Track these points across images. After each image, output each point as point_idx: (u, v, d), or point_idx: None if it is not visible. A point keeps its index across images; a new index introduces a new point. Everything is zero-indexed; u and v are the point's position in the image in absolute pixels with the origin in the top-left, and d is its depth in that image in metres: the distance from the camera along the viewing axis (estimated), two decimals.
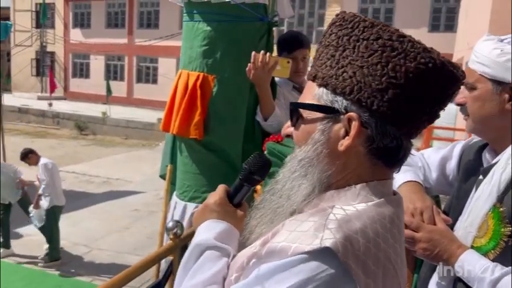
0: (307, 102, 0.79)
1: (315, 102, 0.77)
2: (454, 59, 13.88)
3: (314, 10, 19.93)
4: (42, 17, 23.83)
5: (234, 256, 0.84)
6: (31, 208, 6.18)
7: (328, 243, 0.65)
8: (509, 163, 1.19)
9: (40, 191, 6.05)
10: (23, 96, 23.98)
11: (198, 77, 2.08)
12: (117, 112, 19.38)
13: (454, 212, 1.37)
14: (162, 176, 2.49)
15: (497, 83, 1.21)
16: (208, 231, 0.90)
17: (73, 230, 7.09)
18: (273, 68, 1.95)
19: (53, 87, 22.26)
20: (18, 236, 6.77)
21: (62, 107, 21.11)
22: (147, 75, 24.30)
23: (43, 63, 26.70)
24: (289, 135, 0.84)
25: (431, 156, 1.56)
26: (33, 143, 12.94)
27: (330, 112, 0.75)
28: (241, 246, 0.87)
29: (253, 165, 0.94)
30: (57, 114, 20.14)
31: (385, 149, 0.73)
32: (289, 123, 0.86)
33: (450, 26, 17.17)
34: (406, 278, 0.79)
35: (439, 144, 11.15)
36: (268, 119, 2.11)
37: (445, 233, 1.25)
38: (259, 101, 2.11)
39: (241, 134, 2.14)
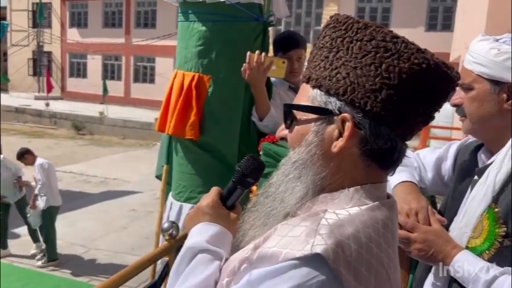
0: (300, 103, 0.79)
1: (309, 104, 0.77)
2: (451, 59, 13.90)
3: (311, 9, 19.92)
4: (39, 17, 23.76)
5: (226, 259, 0.84)
6: (28, 208, 6.17)
7: (319, 249, 0.65)
8: (504, 163, 1.19)
9: (36, 191, 6.03)
10: (20, 96, 23.91)
11: (193, 77, 2.08)
12: (115, 112, 19.34)
13: (449, 212, 1.36)
14: (158, 177, 2.49)
15: (495, 82, 1.21)
16: (200, 234, 0.89)
17: (70, 230, 7.07)
18: (268, 68, 1.94)
19: (49, 88, 22.20)
20: (15, 236, 6.75)
21: (59, 106, 21.06)
22: (145, 74, 24.27)
23: (40, 63, 26.62)
24: (283, 138, 0.83)
25: (426, 157, 1.55)
26: (30, 143, 12.90)
27: (323, 113, 0.75)
28: (235, 248, 0.86)
29: (247, 167, 0.93)
30: (54, 114, 20.09)
31: (379, 151, 0.73)
32: (283, 125, 0.86)
33: (447, 25, 17.20)
34: (399, 283, 0.78)
35: (436, 144, 11.16)
36: (263, 120, 2.10)
37: (440, 233, 1.25)
38: (254, 101, 2.10)
39: (236, 135, 2.13)
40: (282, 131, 0.85)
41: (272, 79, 2.24)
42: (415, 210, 1.30)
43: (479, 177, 1.25)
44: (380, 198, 0.76)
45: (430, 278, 1.36)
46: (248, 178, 0.93)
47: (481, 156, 1.33)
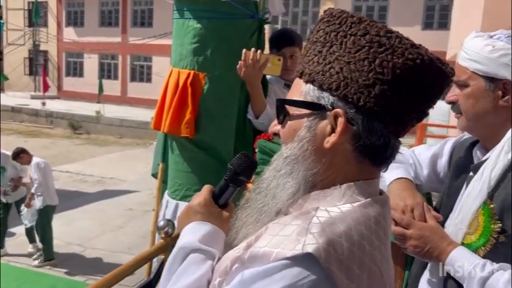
0: (293, 99, 0.78)
1: (302, 99, 0.76)
2: (448, 57, 13.92)
3: (308, 8, 19.93)
4: (35, 16, 23.69)
5: (219, 259, 0.83)
6: (23, 207, 6.15)
7: (310, 248, 0.64)
8: (499, 160, 1.19)
9: (33, 190, 6.01)
10: (16, 95, 23.82)
11: (188, 74, 2.07)
12: (111, 111, 19.30)
13: (444, 209, 1.36)
14: (154, 175, 2.48)
15: (490, 79, 1.20)
16: (192, 233, 0.88)
17: (67, 230, 7.06)
18: (264, 66, 1.94)
19: (45, 87, 22.13)
20: (11, 236, 6.73)
21: (56, 106, 21.00)
22: (141, 73, 24.22)
23: (36, 62, 26.54)
24: (276, 134, 0.83)
25: (422, 153, 1.55)
26: (27, 143, 12.87)
27: (316, 108, 0.74)
28: (228, 246, 0.85)
29: (239, 165, 0.93)
30: (51, 114, 20.03)
31: (372, 147, 0.72)
32: (276, 121, 0.85)
33: (444, 23, 17.23)
34: (392, 279, 0.78)
35: (433, 142, 11.18)
36: (259, 117, 2.10)
37: (435, 230, 1.25)
38: (250, 98, 2.10)
39: (232, 132, 2.13)
40: (275, 126, 0.84)
41: (268, 76, 2.23)
42: (411, 206, 1.30)
43: (475, 173, 1.25)
44: (372, 195, 0.75)
45: (426, 275, 1.36)
46: (240, 176, 0.93)
47: (476, 152, 1.33)
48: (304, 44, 0.81)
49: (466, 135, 1.44)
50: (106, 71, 25.12)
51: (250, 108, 2.12)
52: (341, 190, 0.74)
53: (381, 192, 0.80)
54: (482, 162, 1.25)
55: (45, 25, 26.29)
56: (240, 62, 1.91)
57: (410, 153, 1.57)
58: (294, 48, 2.28)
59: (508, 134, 1.20)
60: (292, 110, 0.78)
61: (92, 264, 6.11)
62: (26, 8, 26.87)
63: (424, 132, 11.08)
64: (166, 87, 2.16)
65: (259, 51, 1.92)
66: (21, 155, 6.12)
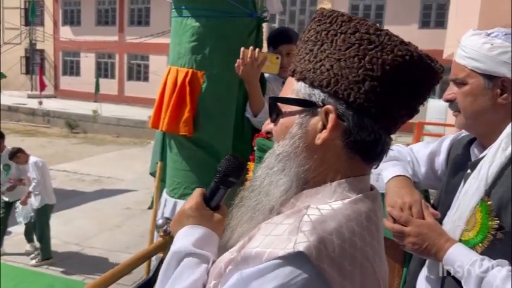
0: (285, 96, 0.79)
1: (294, 97, 0.77)
2: (445, 55, 13.94)
3: (305, 7, 19.94)
4: (31, 15, 23.59)
5: (213, 262, 0.83)
6: (18, 204, 6.12)
7: (301, 247, 0.65)
8: (497, 157, 1.19)
9: (30, 189, 5.99)
10: (13, 94, 23.72)
11: (187, 73, 2.07)
12: (108, 110, 19.25)
13: (442, 206, 1.37)
14: (152, 174, 2.48)
15: (489, 77, 1.21)
16: (186, 237, 0.89)
17: (64, 229, 7.03)
18: (262, 64, 1.94)
19: (42, 86, 22.07)
20: (8, 234, 6.68)
21: (52, 105, 20.93)
22: (138, 72, 24.18)
23: (33, 61, 26.45)
24: (270, 132, 0.83)
25: (420, 151, 1.56)
26: (23, 142, 12.84)
27: (307, 105, 0.75)
28: (223, 248, 0.86)
29: (227, 167, 0.93)
30: (48, 113, 19.97)
31: (362, 143, 0.73)
32: (269, 120, 0.86)
33: (440, 22, 17.27)
34: (386, 275, 0.78)
35: (430, 140, 11.21)
36: (258, 115, 2.10)
37: (433, 227, 1.26)
38: (248, 97, 2.10)
39: (230, 131, 2.13)
40: (268, 124, 0.85)
41: (266, 75, 2.24)
42: (409, 204, 1.31)
43: (472, 170, 1.26)
44: (363, 191, 0.76)
45: (424, 272, 1.37)
46: (230, 178, 0.94)
47: (474, 150, 1.34)
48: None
49: (464, 132, 1.44)
50: (103, 70, 25.06)
51: (249, 106, 2.12)
52: (332, 187, 0.75)
53: (372, 188, 0.80)
54: (479, 160, 1.26)
55: (42, 24, 26.21)
56: (238, 60, 1.91)
57: (408, 151, 1.58)
58: (291, 46, 2.28)
59: (505, 132, 1.21)
60: (285, 108, 0.79)
61: (90, 263, 6.09)
62: (23, 6, 26.77)
63: (421, 131, 11.12)
64: (165, 85, 2.16)
65: (257, 49, 1.92)
66: (18, 155, 6.10)
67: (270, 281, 0.64)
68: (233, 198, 0.89)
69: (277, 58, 2.03)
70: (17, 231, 6.65)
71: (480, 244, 1.17)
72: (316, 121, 0.74)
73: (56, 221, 6.56)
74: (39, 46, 26.56)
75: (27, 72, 27.05)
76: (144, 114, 17.95)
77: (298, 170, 0.76)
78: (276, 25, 17.68)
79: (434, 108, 12.74)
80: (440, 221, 1.32)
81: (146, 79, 23.72)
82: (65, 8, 25.79)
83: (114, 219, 7.73)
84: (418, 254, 1.28)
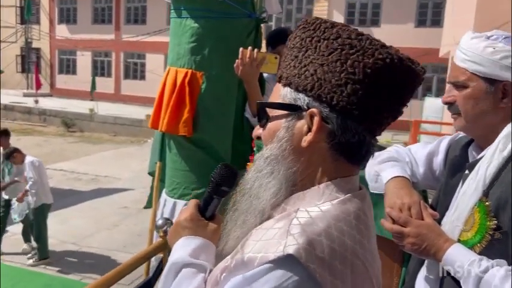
0: (272, 101, 0.82)
1: (280, 101, 0.80)
2: (441, 54, 13.98)
3: (302, 6, 19.93)
4: (27, 13, 23.48)
5: (211, 270, 0.85)
6: (14, 201, 6.11)
7: (291, 250, 0.66)
8: (494, 158, 1.21)
9: (27, 187, 5.97)
10: (8, 93, 23.60)
11: (186, 73, 2.08)
12: (105, 109, 19.19)
13: (441, 206, 1.38)
14: (151, 173, 2.49)
15: (490, 81, 1.22)
16: (183, 248, 0.91)
17: (61, 228, 7.02)
18: (260, 64, 1.94)
19: (38, 85, 21.97)
20: (5, 234, 6.68)
21: (49, 103, 20.84)
22: (135, 71, 24.12)
23: (28, 60, 26.34)
24: (259, 137, 0.86)
25: (418, 151, 1.57)
26: (19, 141, 12.77)
27: (293, 109, 0.77)
28: (220, 255, 0.88)
29: (220, 176, 0.95)
30: (44, 111, 19.88)
31: (346, 144, 0.75)
32: (258, 125, 0.88)
33: (436, 21, 17.31)
34: (379, 272, 0.80)
35: (426, 138, 11.25)
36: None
37: (432, 227, 1.27)
38: (247, 97, 2.11)
39: (230, 131, 2.14)
40: (258, 130, 0.87)
41: (265, 75, 2.24)
42: (408, 204, 1.32)
43: (470, 171, 1.27)
44: (351, 191, 0.78)
45: (423, 272, 1.38)
46: (222, 187, 0.95)
47: (471, 151, 1.35)
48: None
49: (461, 133, 1.45)
50: (99, 69, 24.99)
51: (248, 106, 2.13)
52: (320, 189, 0.77)
53: (361, 187, 0.82)
54: (477, 161, 1.27)
55: (38, 22, 26.08)
56: (237, 60, 1.92)
57: (407, 152, 1.59)
58: None
59: (503, 133, 1.22)
60: (272, 113, 0.81)
61: (87, 262, 6.09)
62: (18, 5, 26.63)
63: (417, 129, 11.16)
64: (164, 86, 2.17)
65: (256, 49, 1.92)
66: (14, 154, 6.08)
67: (263, 285, 0.66)
68: (227, 204, 0.91)
69: (276, 58, 2.04)
70: (14, 230, 6.64)
71: (478, 244, 1.18)
72: (301, 124, 0.77)
73: (52, 220, 6.54)
74: (35, 44, 26.44)
75: (23, 70, 26.94)
76: (141, 112, 17.92)
77: (286, 172, 0.78)
78: (273, 23, 17.67)
79: (431, 107, 12.79)
80: (438, 221, 1.33)
81: (143, 77, 23.67)
82: (61, 6, 25.68)
83: (111, 218, 7.73)
84: (417, 254, 1.30)
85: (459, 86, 1.28)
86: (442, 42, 13.78)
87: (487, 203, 1.18)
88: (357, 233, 0.73)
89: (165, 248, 1.75)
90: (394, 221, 1.31)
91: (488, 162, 1.21)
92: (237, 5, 2.05)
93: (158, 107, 2.18)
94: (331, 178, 0.77)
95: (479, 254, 1.17)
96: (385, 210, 1.35)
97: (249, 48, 1.91)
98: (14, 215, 6.16)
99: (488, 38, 1.24)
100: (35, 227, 6.10)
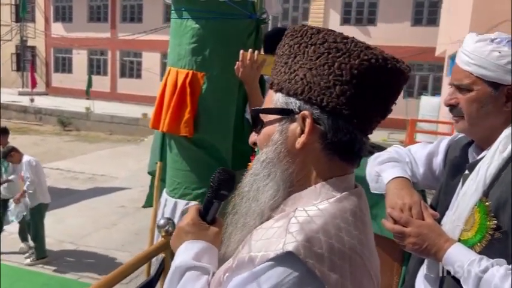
0: (265, 107, 0.85)
1: (273, 107, 0.83)
2: (437, 53, 14.03)
3: (298, 4, 19.92)
4: (22, 11, 23.34)
5: (214, 273, 0.88)
6: (11, 201, 6.09)
7: (290, 247, 0.69)
8: (495, 159, 1.22)
9: (25, 188, 5.95)
10: (4, 91, 23.43)
11: (187, 74, 2.09)
12: (101, 107, 19.13)
13: (441, 206, 1.40)
14: (151, 173, 2.50)
15: (495, 85, 1.23)
16: (186, 252, 0.94)
17: (59, 227, 7.00)
18: (261, 66, 1.95)
19: (33, 83, 21.86)
20: (2, 233, 6.66)
21: (44, 102, 20.74)
22: (131, 69, 24.04)
23: (24, 58, 26.19)
24: (256, 144, 0.89)
25: (418, 152, 1.58)
26: (15, 140, 12.67)
27: (285, 113, 0.80)
28: (222, 259, 0.90)
29: (219, 180, 0.98)
30: (40, 110, 19.80)
31: (339, 144, 0.77)
32: (254, 132, 0.90)
33: (433, 19, 17.35)
34: (377, 267, 0.82)
35: (423, 137, 11.30)
36: None
37: (433, 227, 1.28)
38: (248, 98, 2.12)
39: (230, 131, 2.15)
40: (253, 136, 0.90)
41: (265, 76, 2.25)
42: (409, 205, 1.33)
43: (470, 171, 1.29)
44: (347, 189, 0.81)
45: (423, 270, 1.40)
46: (221, 191, 0.98)
47: (471, 152, 1.37)
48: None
49: (461, 134, 1.47)
50: (95, 67, 24.89)
51: (248, 107, 2.14)
52: (316, 189, 0.79)
53: (356, 186, 0.85)
54: (477, 161, 1.29)
55: (33, 20, 25.93)
56: (237, 62, 1.93)
57: (407, 152, 1.60)
58: None
59: (503, 135, 1.24)
60: (266, 118, 0.84)
61: (85, 261, 6.07)
62: (13, 3, 26.46)
63: (414, 128, 11.20)
64: (165, 86, 2.18)
65: (256, 51, 1.93)
66: (11, 153, 6.04)
67: (264, 282, 0.69)
68: (227, 208, 0.93)
69: None
70: (11, 230, 6.62)
71: (478, 244, 1.20)
72: (294, 127, 0.79)
73: (50, 220, 6.52)
74: (30, 43, 26.29)
75: (18, 69, 26.78)
76: (137, 111, 17.87)
77: (282, 174, 0.80)
78: (270, 22, 17.67)
79: (427, 106, 12.84)
80: (438, 221, 1.34)
81: (139, 76, 23.60)
82: (56, 4, 25.54)
83: (108, 217, 7.71)
84: (418, 254, 1.31)
85: (463, 89, 1.29)
86: (438, 41, 13.83)
87: (487, 203, 1.20)
88: (354, 229, 0.76)
89: (167, 247, 1.76)
90: (395, 221, 1.32)
91: (488, 163, 1.23)
92: (238, 6, 2.07)
93: (159, 107, 2.19)
94: (326, 178, 0.80)
95: (480, 253, 1.18)
96: (386, 210, 1.36)
97: (250, 50, 1.92)
98: (12, 217, 6.13)
99: (492, 41, 1.24)
100: (32, 226, 6.08)
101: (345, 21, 19.00)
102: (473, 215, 1.23)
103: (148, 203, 2.53)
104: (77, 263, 6.03)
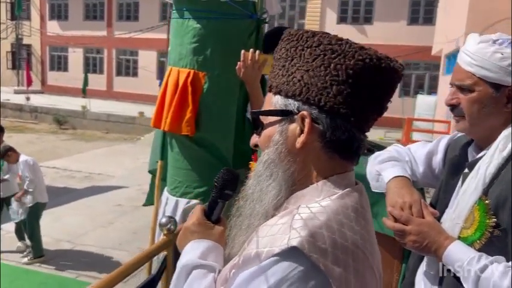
0: (265, 109, 0.87)
1: (272, 109, 0.85)
2: (433, 52, 14.08)
3: (295, 3, 19.92)
4: (17, 9, 23.19)
5: (220, 271, 0.90)
6: (12, 200, 6.08)
7: (294, 242, 0.71)
8: (494, 158, 1.24)
9: (25, 187, 5.94)
10: None
11: (188, 74, 2.10)
12: (97, 106, 19.08)
13: (440, 204, 1.42)
14: (152, 172, 2.51)
15: (496, 86, 1.25)
16: (192, 251, 0.97)
17: (56, 226, 6.99)
18: (262, 66, 1.97)
19: (29, 82, 21.76)
20: None
21: (40, 100, 20.65)
22: (127, 68, 23.98)
23: (19, 56, 26.05)
24: (257, 145, 0.91)
25: (417, 151, 1.60)
26: (11, 138, 12.65)
27: (285, 114, 0.83)
28: (226, 259, 0.93)
29: (223, 181, 1.00)
30: (35, 108, 19.72)
31: (338, 142, 0.80)
32: (255, 134, 0.93)
33: (429, 19, 17.40)
34: (379, 262, 0.84)
35: (419, 136, 11.35)
36: None
37: (433, 225, 1.30)
38: (249, 98, 2.13)
39: (232, 130, 2.16)
40: (254, 138, 0.92)
41: (266, 76, 2.27)
42: (409, 203, 1.35)
43: (470, 170, 1.31)
44: (348, 186, 0.83)
45: (423, 267, 1.42)
46: (226, 190, 1.01)
47: (471, 150, 1.39)
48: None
49: (459, 133, 1.48)
50: (91, 65, 24.80)
51: (250, 107, 2.16)
52: (318, 187, 0.82)
53: (357, 183, 0.87)
54: (477, 160, 1.31)
55: (28, 18, 25.81)
56: (239, 62, 1.94)
57: (407, 151, 1.62)
58: None
59: (503, 134, 1.26)
60: (266, 120, 0.87)
61: (83, 260, 6.07)
62: (8, 0, 26.31)
63: (410, 127, 11.24)
64: (166, 86, 2.19)
65: (257, 51, 1.95)
66: (9, 153, 6.02)
67: (270, 276, 0.71)
68: (231, 210, 0.95)
69: None
70: (7, 228, 6.60)
71: (478, 241, 1.22)
72: (294, 127, 0.82)
73: (47, 219, 6.51)
74: (25, 41, 26.16)
75: (14, 67, 26.64)
76: (134, 109, 17.84)
77: (284, 173, 0.83)
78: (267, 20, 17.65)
79: (423, 105, 12.88)
80: (438, 219, 1.36)
81: (135, 74, 23.54)
82: (52, 2, 25.41)
83: (105, 216, 7.71)
84: (418, 251, 1.33)
85: (464, 89, 1.30)
86: (435, 40, 13.87)
87: (486, 201, 1.22)
88: (355, 225, 0.78)
89: (169, 245, 1.76)
90: (395, 220, 1.34)
91: (488, 161, 1.25)
92: (239, 6, 2.08)
93: (160, 106, 2.20)
94: (327, 175, 0.82)
95: (479, 250, 1.21)
96: (387, 208, 1.38)
97: (251, 50, 1.94)
98: (14, 215, 6.13)
99: (494, 42, 1.26)
100: (28, 225, 6.06)
101: (342, 19, 19.03)
102: (473, 213, 1.25)
103: (149, 201, 2.54)
104: (75, 262, 6.03)
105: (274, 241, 0.73)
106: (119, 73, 24.19)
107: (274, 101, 0.85)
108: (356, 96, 0.78)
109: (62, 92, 23.99)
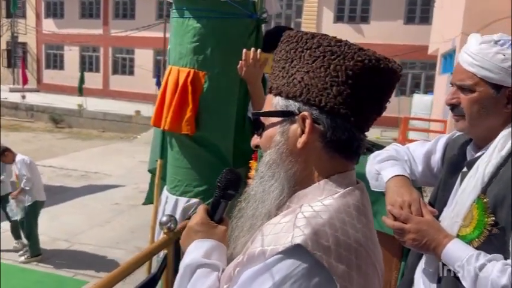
0: (266, 111, 0.89)
1: (273, 110, 0.87)
2: (429, 51, 14.12)
3: (292, 2, 19.93)
4: (13, 7, 23.08)
5: (223, 270, 0.91)
6: (9, 198, 6.06)
7: (298, 240, 0.72)
8: (493, 157, 1.26)
9: (22, 185, 5.93)
10: None
11: (188, 73, 2.10)
12: (94, 104, 19.02)
13: (439, 203, 1.44)
14: (151, 171, 2.51)
15: (497, 87, 1.26)
16: (196, 250, 0.98)
17: (53, 225, 6.98)
18: (264, 65, 1.98)
19: (25, 80, 21.66)
20: None
21: (36, 99, 20.56)
22: (124, 66, 23.92)
23: (15, 54, 25.94)
24: (258, 146, 0.93)
25: (416, 150, 1.62)
26: (7, 137, 12.62)
27: (286, 115, 0.84)
28: (229, 258, 0.94)
29: (226, 181, 1.02)
30: (31, 107, 19.64)
31: (338, 141, 0.81)
32: (256, 135, 0.94)
33: (425, 18, 17.46)
34: (381, 260, 0.85)
35: (415, 135, 11.40)
36: None
37: (432, 223, 1.32)
38: (251, 97, 2.14)
39: (232, 129, 2.17)
40: (255, 139, 0.94)
41: (266, 75, 2.27)
42: (408, 202, 1.37)
43: (469, 169, 1.33)
44: (350, 185, 0.84)
45: (421, 265, 1.44)
46: (228, 190, 1.02)
47: (470, 150, 1.40)
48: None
49: (458, 132, 1.50)
50: (87, 64, 24.71)
51: (251, 106, 2.17)
52: (320, 186, 0.83)
53: (358, 182, 0.88)
54: (476, 159, 1.32)
55: (24, 16, 25.68)
56: (240, 62, 1.95)
57: (406, 150, 1.63)
58: None
59: (501, 134, 1.28)
60: (267, 121, 0.88)
61: (80, 259, 6.06)
62: None
63: (406, 126, 11.29)
64: (166, 85, 2.19)
65: (259, 50, 1.96)
66: (5, 153, 6.01)
67: (275, 274, 0.72)
68: (232, 212, 0.96)
69: None
70: (5, 227, 6.58)
71: (476, 239, 1.24)
72: (295, 128, 0.83)
73: (44, 217, 6.49)
74: (21, 39, 26.04)
75: (9, 65, 26.52)
76: (130, 108, 17.80)
77: (286, 174, 0.84)
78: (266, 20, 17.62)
79: (419, 104, 12.93)
80: (437, 217, 1.38)
81: (131, 73, 23.48)
82: (48, 0, 25.30)
83: (103, 214, 7.70)
84: (417, 249, 1.35)
85: (465, 89, 1.31)
86: (431, 40, 13.91)
87: (485, 200, 1.24)
88: (357, 223, 0.79)
89: (169, 244, 1.77)
90: (395, 218, 1.35)
91: (487, 160, 1.27)
92: (239, 6, 2.09)
93: (160, 105, 2.21)
94: (329, 175, 0.83)
95: (477, 248, 1.22)
96: (387, 207, 1.40)
97: (252, 49, 1.95)
98: (11, 213, 6.12)
99: (496, 43, 1.27)
100: (26, 224, 6.05)
101: (338, 19, 19.06)
102: (472, 211, 1.26)
103: (149, 200, 2.55)
104: (72, 261, 6.03)
105: (278, 239, 0.75)
106: (115, 71, 24.13)
107: (274, 102, 0.86)
108: (356, 96, 0.79)
109: (58, 91, 23.89)
